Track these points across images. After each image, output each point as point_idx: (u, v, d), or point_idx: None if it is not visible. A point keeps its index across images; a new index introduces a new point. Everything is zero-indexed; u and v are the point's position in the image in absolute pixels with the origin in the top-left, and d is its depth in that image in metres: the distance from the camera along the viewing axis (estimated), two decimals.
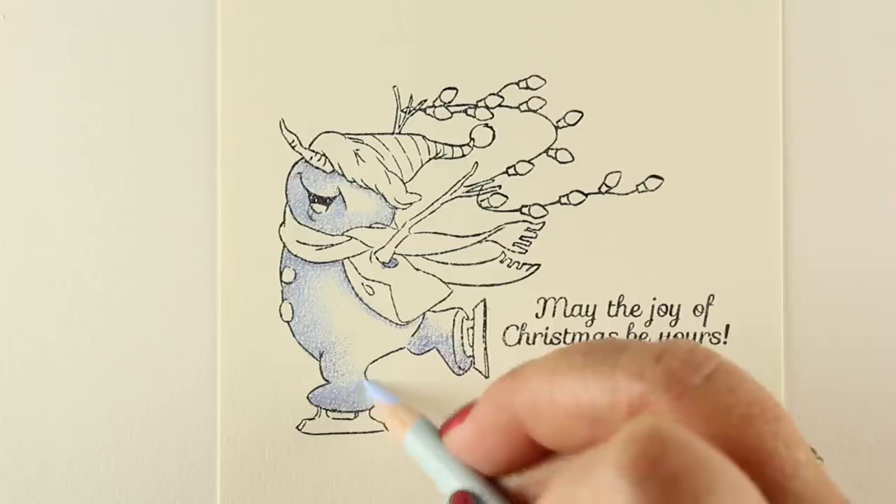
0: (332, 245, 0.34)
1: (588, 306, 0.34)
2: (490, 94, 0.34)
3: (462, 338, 0.34)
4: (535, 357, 0.20)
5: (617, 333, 0.35)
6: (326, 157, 0.34)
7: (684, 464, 0.15)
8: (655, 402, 0.17)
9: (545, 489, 0.18)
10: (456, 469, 0.23)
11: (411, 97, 0.34)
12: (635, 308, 0.35)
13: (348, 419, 0.34)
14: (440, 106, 0.34)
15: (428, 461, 0.24)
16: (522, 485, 0.22)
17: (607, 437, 0.17)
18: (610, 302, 0.35)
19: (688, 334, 0.35)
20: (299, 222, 0.34)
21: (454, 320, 0.34)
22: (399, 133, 0.34)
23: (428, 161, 0.34)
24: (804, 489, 0.17)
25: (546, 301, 0.34)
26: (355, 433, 0.34)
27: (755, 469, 0.17)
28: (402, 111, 0.34)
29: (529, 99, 0.34)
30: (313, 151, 0.33)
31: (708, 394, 0.17)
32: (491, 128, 0.34)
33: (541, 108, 0.34)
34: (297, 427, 0.33)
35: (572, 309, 0.34)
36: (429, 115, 0.34)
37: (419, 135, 0.34)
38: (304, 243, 0.34)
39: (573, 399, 0.19)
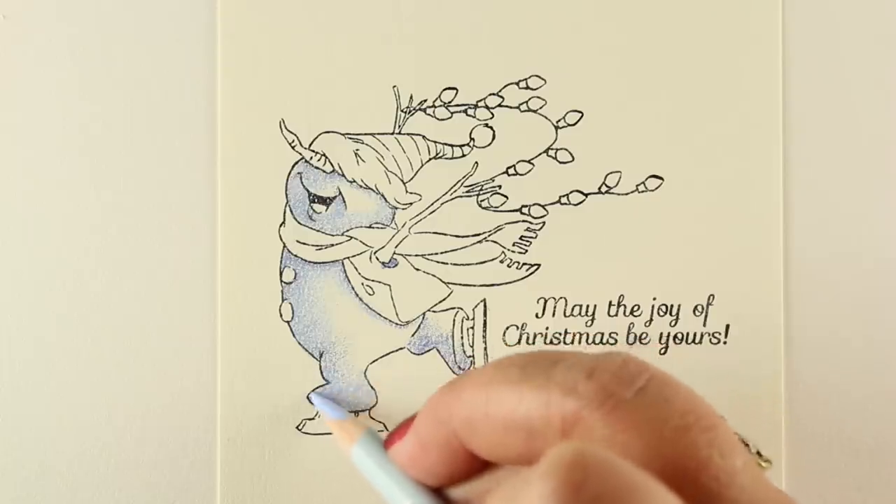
0: (332, 245, 0.34)
1: (588, 306, 0.34)
2: (490, 94, 0.34)
3: (462, 338, 0.34)
4: (473, 369, 0.21)
5: (617, 333, 0.35)
6: (326, 157, 0.34)
7: (608, 488, 0.15)
8: (588, 417, 0.17)
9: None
10: (402, 482, 0.23)
11: (411, 97, 0.34)
12: (635, 308, 0.35)
13: None
14: (440, 106, 0.34)
15: (375, 475, 0.24)
16: (468, 495, 0.22)
17: (543, 449, 0.17)
18: (610, 302, 0.35)
19: (688, 334, 0.35)
20: (299, 222, 0.34)
21: (454, 320, 0.34)
22: (399, 133, 0.34)
23: (428, 161, 0.34)
24: (740, 495, 0.17)
25: (546, 301, 0.34)
26: None
27: (690, 479, 0.17)
28: (402, 111, 0.34)
29: (529, 99, 0.34)
30: (313, 151, 0.33)
31: (640, 407, 0.17)
32: (491, 128, 0.34)
33: (541, 108, 0.34)
34: (297, 427, 0.33)
35: (572, 309, 0.34)
36: (429, 115, 0.34)
37: (419, 135, 0.34)
38: (304, 243, 0.34)
39: (508, 413, 0.19)
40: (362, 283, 0.34)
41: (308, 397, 0.33)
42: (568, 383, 0.18)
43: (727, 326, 0.35)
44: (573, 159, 0.34)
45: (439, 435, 0.21)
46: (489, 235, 0.34)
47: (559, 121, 0.34)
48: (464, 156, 0.34)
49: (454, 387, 0.21)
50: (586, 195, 0.34)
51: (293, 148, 0.33)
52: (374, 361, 0.34)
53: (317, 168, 0.34)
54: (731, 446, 0.17)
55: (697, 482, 0.17)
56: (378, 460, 0.24)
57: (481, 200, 0.34)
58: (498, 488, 0.17)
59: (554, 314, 0.34)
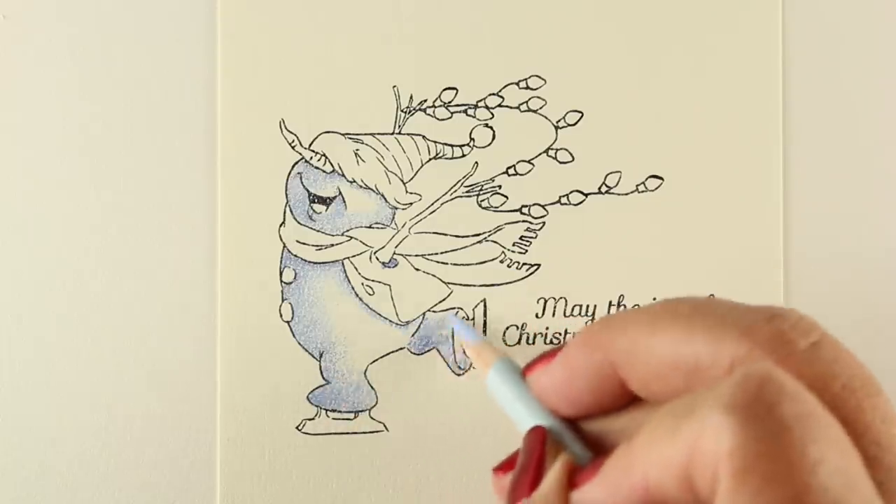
0: (332, 245, 0.34)
1: (588, 306, 0.34)
2: (490, 94, 0.34)
3: None
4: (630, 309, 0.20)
5: None
6: (326, 157, 0.34)
7: (796, 413, 0.15)
8: (760, 360, 0.17)
9: (626, 437, 0.18)
10: (536, 409, 0.23)
11: (411, 97, 0.34)
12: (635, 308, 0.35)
13: (348, 419, 0.34)
14: (440, 106, 0.34)
15: (508, 400, 0.24)
16: (602, 431, 0.22)
17: (701, 388, 0.17)
18: (610, 302, 0.35)
19: None
20: (299, 222, 0.34)
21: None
22: (399, 133, 0.34)
23: (428, 161, 0.34)
24: None
25: (546, 301, 0.34)
26: (355, 433, 0.34)
27: (852, 438, 0.17)
28: (402, 111, 0.34)
29: (529, 99, 0.34)
30: (313, 151, 0.33)
31: (813, 360, 0.18)
32: (491, 128, 0.34)
33: (541, 108, 0.34)
34: (297, 427, 0.33)
35: (572, 309, 0.34)
36: (429, 115, 0.34)
37: (419, 135, 0.34)
38: (304, 243, 0.34)
39: (674, 346, 0.19)
40: (362, 283, 0.34)
41: (448, 318, 0.33)
42: (745, 324, 0.18)
43: None
44: (573, 159, 0.34)
45: (592, 362, 0.21)
46: (489, 235, 0.34)
47: (559, 121, 0.34)
48: (464, 156, 0.34)
49: (616, 317, 0.21)
50: (586, 195, 0.34)
51: (293, 148, 0.33)
52: (374, 361, 0.34)
53: (317, 168, 0.34)
54: (892, 416, 0.18)
55: (858, 442, 0.17)
56: (513, 386, 0.24)
57: (481, 200, 0.34)
58: (665, 406, 0.17)
59: (554, 314, 0.34)
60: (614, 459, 0.18)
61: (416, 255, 0.34)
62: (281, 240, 0.33)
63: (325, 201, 0.34)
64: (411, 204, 0.34)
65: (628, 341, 0.20)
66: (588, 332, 0.21)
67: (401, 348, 0.34)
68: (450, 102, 0.34)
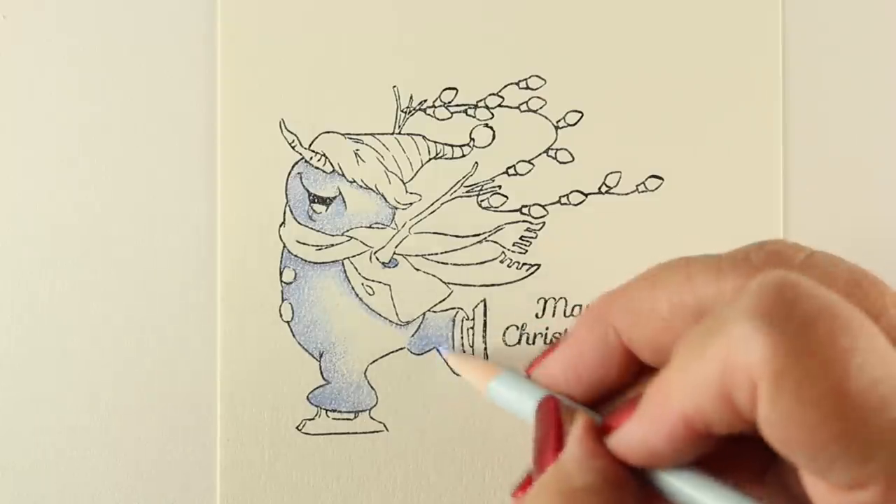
0: (332, 245, 0.34)
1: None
2: (490, 94, 0.34)
3: (462, 338, 0.34)
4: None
5: None
6: (326, 157, 0.34)
7: (818, 307, 0.15)
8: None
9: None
10: (545, 393, 0.23)
11: (411, 97, 0.34)
12: None
13: (348, 419, 0.34)
14: (440, 106, 0.34)
15: (515, 402, 0.24)
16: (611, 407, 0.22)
17: None
18: None
19: None
20: (299, 222, 0.34)
21: (454, 320, 0.34)
22: (399, 133, 0.34)
23: (428, 161, 0.34)
24: None
25: (546, 301, 0.34)
26: (355, 433, 0.34)
27: None
28: (402, 111, 0.34)
29: (529, 99, 0.34)
30: (313, 151, 0.33)
31: (811, 267, 0.18)
32: (491, 128, 0.34)
33: (541, 108, 0.34)
34: (297, 427, 0.33)
35: (572, 309, 0.34)
36: (429, 115, 0.34)
37: (419, 135, 0.34)
38: (304, 243, 0.34)
39: (677, 295, 0.19)
40: (362, 283, 0.34)
41: (438, 349, 0.33)
42: (740, 255, 0.18)
43: None
44: (573, 159, 0.34)
45: (596, 334, 0.21)
46: (489, 235, 0.34)
47: (559, 121, 0.34)
48: (464, 156, 0.34)
49: (615, 288, 0.21)
50: (586, 195, 0.34)
51: (293, 148, 0.33)
52: (374, 361, 0.34)
53: (317, 168, 0.34)
54: None
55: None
56: (520, 390, 0.24)
57: (481, 200, 0.34)
58: (692, 329, 0.17)
59: (554, 314, 0.34)
60: (649, 394, 0.18)
61: (416, 255, 0.34)
62: (281, 240, 0.33)
63: (325, 201, 0.34)
64: (411, 204, 0.34)
65: (629, 301, 0.20)
66: (591, 304, 0.21)
67: (401, 348, 0.34)
68: (450, 102, 0.34)
